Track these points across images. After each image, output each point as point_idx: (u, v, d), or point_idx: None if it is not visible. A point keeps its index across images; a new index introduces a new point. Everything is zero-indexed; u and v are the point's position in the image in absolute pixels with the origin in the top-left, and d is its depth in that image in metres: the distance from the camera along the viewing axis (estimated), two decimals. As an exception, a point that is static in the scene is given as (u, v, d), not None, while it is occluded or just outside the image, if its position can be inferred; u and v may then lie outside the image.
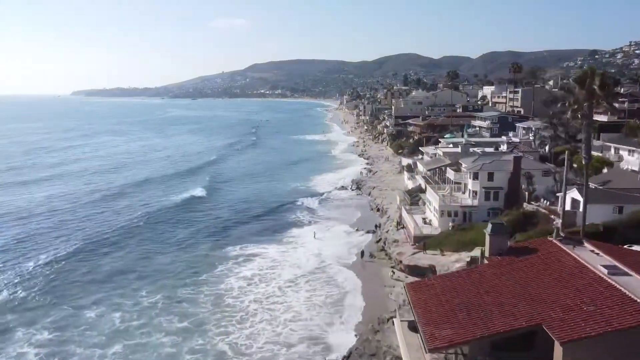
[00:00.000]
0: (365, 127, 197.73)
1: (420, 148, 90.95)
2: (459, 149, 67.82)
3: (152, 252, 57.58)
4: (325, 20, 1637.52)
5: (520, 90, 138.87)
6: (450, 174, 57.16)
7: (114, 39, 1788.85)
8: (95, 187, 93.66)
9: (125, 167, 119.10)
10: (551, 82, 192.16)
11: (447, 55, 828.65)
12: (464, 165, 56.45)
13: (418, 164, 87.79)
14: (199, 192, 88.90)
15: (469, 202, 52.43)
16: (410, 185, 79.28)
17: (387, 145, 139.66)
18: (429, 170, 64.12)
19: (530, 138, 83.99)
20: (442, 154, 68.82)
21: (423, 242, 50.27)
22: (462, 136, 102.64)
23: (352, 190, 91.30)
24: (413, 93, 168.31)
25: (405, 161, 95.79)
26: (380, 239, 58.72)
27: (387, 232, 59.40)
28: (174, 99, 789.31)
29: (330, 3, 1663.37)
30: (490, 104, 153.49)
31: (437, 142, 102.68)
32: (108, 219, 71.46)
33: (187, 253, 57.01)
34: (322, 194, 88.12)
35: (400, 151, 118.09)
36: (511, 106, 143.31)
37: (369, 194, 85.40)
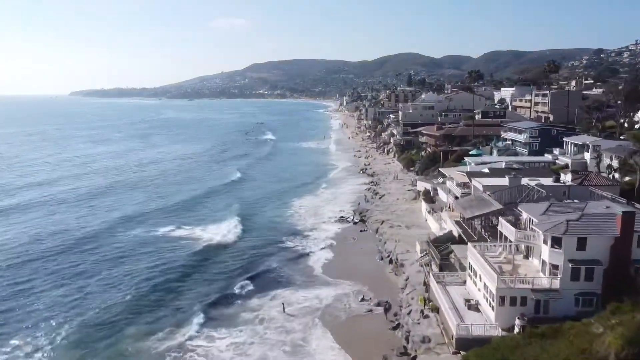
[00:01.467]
0: (368, 134, 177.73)
1: (441, 170, 70.96)
2: (505, 181, 47.91)
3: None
4: (325, 20, 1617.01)
5: (549, 92, 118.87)
6: (506, 228, 37.32)
7: (113, 40, 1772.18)
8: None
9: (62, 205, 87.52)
10: (573, 83, 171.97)
11: (448, 55, 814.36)
12: (530, 217, 36.43)
13: (440, 191, 67.72)
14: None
15: (544, 282, 32.53)
16: (434, 226, 59.28)
17: (395, 157, 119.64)
18: (468, 218, 43.94)
19: (587, 158, 64.02)
20: (480, 188, 48.93)
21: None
22: (491, 152, 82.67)
23: (355, 223, 71.34)
24: (422, 96, 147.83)
25: (422, 185, 75.71)
26: (398, 327, 38.77)
27: (409, 315, 39.24)
28: (171, 100, 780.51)
29: (330, 2, 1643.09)
30: (510, 109, 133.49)
31: (459, 159, 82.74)
32: None
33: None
34: (311, 230, 68.23)
35: (412, 168, 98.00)
36: (537, 111, 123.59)
37: (376, 231, 65.45)
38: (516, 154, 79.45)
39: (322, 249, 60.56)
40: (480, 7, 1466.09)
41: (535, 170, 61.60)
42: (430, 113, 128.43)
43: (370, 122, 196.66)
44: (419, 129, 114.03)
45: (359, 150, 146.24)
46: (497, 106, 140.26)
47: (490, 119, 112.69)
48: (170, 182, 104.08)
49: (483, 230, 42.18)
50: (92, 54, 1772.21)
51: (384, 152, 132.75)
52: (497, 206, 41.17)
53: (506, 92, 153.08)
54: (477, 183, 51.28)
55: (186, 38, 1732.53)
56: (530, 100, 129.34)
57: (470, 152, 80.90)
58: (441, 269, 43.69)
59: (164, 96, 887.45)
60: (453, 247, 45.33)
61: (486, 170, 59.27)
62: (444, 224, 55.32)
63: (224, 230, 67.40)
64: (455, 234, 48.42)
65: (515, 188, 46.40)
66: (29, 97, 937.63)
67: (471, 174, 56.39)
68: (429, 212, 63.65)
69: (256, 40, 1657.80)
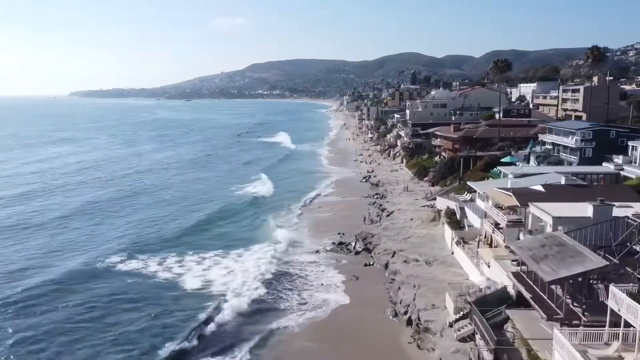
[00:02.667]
0: (370, 135, 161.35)
1: (470, 184, 54.34)
2: (583, 208, 31.54)
3: None
4: (326, 20, 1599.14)
5: (581, 88, 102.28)
6: (623, 304, 21.06)
7: (113, 40, 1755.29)
8: None
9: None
10: (595, 79, 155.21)
11: (450, 55, 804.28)
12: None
13: (470, 212, 51.17)
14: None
15: None
16: (467, 265, 42.56)
17: (403, 163, 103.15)
18: (551, 282, 26.47)
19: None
20: (548, 221, 32.53)
21: None
22: (528, 159, 66.12)
23: (357, 252, 54.82)
24: (432, 93, 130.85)
25: (443, 203, 59.13)
26: None
27: None
28: (169, 100, 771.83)
29: (330, 2, 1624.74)
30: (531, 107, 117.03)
31: (486, 167, 66.34)
32: None
33: None
34: (301, 267, 51.65)
35: (426, 178, 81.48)
36: (566, 110, 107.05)
37: (386, 267, 48.95)
38: (560, 161, 62.95)
39: (303, 310, 43.98)
40: (482, 6, 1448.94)
41: (603, 188, 45.18)
42: (443, 112, 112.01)
43: (372, 123, 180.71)
44: (431, 130, 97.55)
45: (361, 154, 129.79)
46: (517, 102, 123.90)
47: (513, 119, 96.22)
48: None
49: (571, 299, 25.61)
50: (92, 55, 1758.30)
51: (389, 156, 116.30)
52: (596, 261, 24.58)
53: (526, 89, 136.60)
54: (540, 211, 34.69)
55: (186, 38, 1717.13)
56: (557, 97, 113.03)
57: (502, 160, 64.43)
58: (497, 357, 27.14)
59: (162, 97, 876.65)
60: (513, 316, 28.86)
61: (539, 188, 42.73)
62: (485, 269, 38.76)
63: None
64: (512, 290, 31.88)
65: (606, 223, 29.96)
66: (27, 98, 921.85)
67: (522, 196, 39.82)
68: (457, 242, 47.04)
69: (256, 40, 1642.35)
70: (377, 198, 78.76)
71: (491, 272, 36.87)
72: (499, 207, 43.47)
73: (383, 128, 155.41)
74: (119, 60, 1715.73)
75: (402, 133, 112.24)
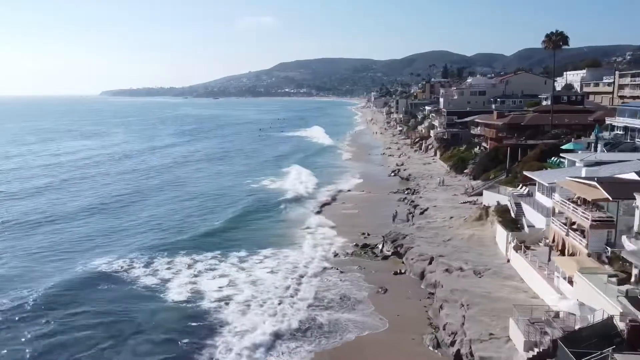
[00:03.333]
0: (399, 128, 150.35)
1: (529, 174, 43.47)
2: None
3: None
4: (353, 18, 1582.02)
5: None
6: None
7: (143, 40, 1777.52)
8: None
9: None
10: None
11: (480, 53, 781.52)
12: None
13: (529, 209, 40.40)
14: None
15: None
16: (530, 278, 31.67)
17: (436, 155, 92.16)
18: None
19: None
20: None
21: None
22: (595, 147, 54.54)
23: (385, 257, 44.58)
24: (469, 80, 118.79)
25: (491, 198, 48.38)
26: None
27: None
28: (197, 98, 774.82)
29: (358, 0, 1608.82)
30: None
31: (542, 157, 55.35)
32: None
33: None
34: (312, 277, 41.76)
35: (466, 171, 70.57)
36: (622, 97, 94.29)
37: (421, 276, 38.65)
38: (635, 148, 51.31)
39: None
40: (513, 3, 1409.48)
41: None
42: (481, 100, 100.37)
43: (401, 116, 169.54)
44: (469, 119, 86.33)
45: (389, 148, 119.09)
46: (563, 90, 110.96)
47: (565, 105, 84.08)
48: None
49: None
50: (124, 55, 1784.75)
51: (420, 149, 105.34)
52: None
53: (573, 77, 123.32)
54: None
55: (214, 37, 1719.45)
56: (611, 84, 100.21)
57: (563, 147, 53.13)
58: None
59: (190, 95, 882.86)
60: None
61: (633, 177, 31.80)
62: (564, 286, 28.04)
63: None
64: (620, 323, 21.22)
65: None
66: (61, 98, 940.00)
67: (613, 186, 29.03)
68: (515, 247, 36.28)
69: (284, 39, 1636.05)
70: (407, 193, 68.20)
71: (577, 292, 26.13)
72: (573, 202, 32.74)
73: (413, 121, 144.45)
74: (149, 60, 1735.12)
75: (435, 123, 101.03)
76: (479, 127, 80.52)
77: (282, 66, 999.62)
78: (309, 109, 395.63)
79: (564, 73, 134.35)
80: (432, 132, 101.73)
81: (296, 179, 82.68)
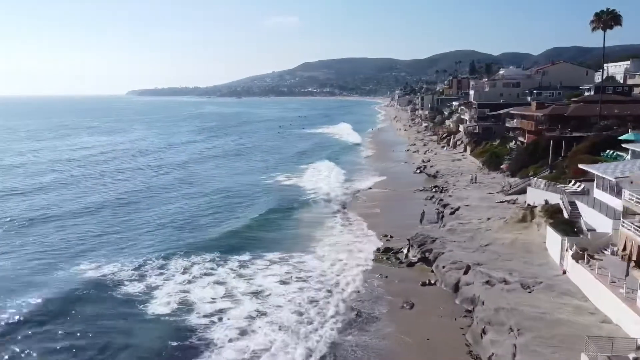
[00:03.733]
0: (425, 124, 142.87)
1: (586, 167, 36.31)
2: None
3: None
4: (377, 18, 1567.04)
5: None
6: None
7: (170, 40, 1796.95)
8: None
9: None
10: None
11: (507, 52, 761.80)
12: None
13: (587, 209, 33.30)
14: None
15: None
16: (615, 308, 24.05)
17: (466, 151, 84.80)
18: None
19: None
20: None
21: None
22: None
23: (411, 264, 37.94)
24: (501, 71, 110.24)
25: (539, 196, 41.26)
26: None
27: None
28: (220, 98, 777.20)
29: (382, 1, 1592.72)
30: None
31: (593, 150, 48.08)
32: None
33: None
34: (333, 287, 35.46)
35: (503, 167, 63.27)
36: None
37: (455, 289, 31.96)
38: None
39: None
40: (541, 2, 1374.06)
41: None
42: (515, 92, 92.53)
43: (426, 113, 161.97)
44: (503, 111, 78.81)
45: (413, 144, 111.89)
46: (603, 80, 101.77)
47: (613, 96, 75.76)
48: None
49: None
50: (150, 55, 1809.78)
51: (448, 144, 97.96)
52: None
53: (615, 68, 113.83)
54: None
55: (239, 38, 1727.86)
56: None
57: (622, 137, 45.62)
58: None
59: (214, 95, 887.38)
60: None
61: None
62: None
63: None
64: None
65: None
66: (89, 97, 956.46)
67: None
68: (575, 256, 29.25)
69: (308, 39, 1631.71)
70: (435, 191, 61.24)
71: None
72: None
73: (439, 117, 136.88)
74: (175, 60, 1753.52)
75: (465, 117, 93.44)
76: (514, 120, 72.99)
77: (305, 66, 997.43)
78: (331, 107, 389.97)
79: (605, 65, 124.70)
80: (461, 127, 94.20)
81: (313, 177, 76.58)
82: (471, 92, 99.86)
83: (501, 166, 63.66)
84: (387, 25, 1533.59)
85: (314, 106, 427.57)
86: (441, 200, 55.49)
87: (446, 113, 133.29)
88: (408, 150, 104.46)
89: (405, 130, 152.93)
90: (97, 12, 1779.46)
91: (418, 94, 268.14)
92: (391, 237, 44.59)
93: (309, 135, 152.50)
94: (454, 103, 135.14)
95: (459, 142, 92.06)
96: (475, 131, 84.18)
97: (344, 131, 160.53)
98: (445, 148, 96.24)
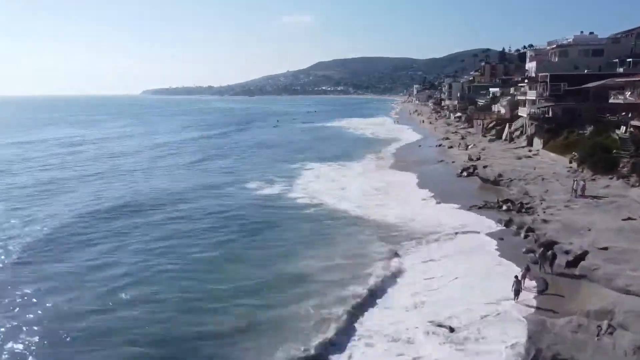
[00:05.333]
0: (459, 114, 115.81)
1: None
2: None
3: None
4: (392, 17, 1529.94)
5: None
6: None
7: (184, 39, 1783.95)
8: None
9: None
10: None
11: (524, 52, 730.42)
12: None
13: None
14: None
15: None
16: None
17: (535, 144, 57.81)
18: None
19: None
20: None
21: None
22: None
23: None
24: (569, 39, 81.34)
25: None
26: None
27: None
28: (233, 97, 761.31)
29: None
30: None
31: None
32: None
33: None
34: None
35: (625, 170, 36.31)
36: None
37: None
38: None
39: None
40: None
41: None
42: (597, 62, 65.02)
43: (455, 103, 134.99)
44: (594, 84, 51.98)
45: (446, 138, 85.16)
46: None
47: None
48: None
49: None
50: (164, 54, 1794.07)
51: (499, 137, 71.14)
52: None
53: None
54: None
55: (253, 37, 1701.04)
56: None
57: None
58: None
59: (227, 93, 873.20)
60: None
61: None
62: None
63: None
64: None
65: None
66: (103, 97, 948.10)
67: None
68: None
69: (322, 38, 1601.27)
70: (509, 209, 34.78)
71: None
72: None
73: (472, 108, 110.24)
74: (188, 59, 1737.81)
75: (528, 97, 65.93)
76: (621, 96, 46.09)
77: (320, 65, 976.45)
78: (344, 104, 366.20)
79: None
80: (521, 111, 66.86)
81: (309, 182, 50.83)
82: (530, 66, 72.69)
83: (624, 168, 36.83)
84: (403, 24, 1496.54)
85: (326, 103, 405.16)
86: (532, 230, 29.02)
87: (482, 102, 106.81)
88: (440, 145, 77.77)
89: (430, 122, 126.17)
90: (113, 12, 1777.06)
91: (443, 82, 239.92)
92: (452, 329, 18.58)
93: (318, 129, 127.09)
94: (492, 90, 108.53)
95: (519, 133, 65.04)
96: (547, 115, 57.06)
97: (351, 125, 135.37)
98: (495, 141, 69.36)
